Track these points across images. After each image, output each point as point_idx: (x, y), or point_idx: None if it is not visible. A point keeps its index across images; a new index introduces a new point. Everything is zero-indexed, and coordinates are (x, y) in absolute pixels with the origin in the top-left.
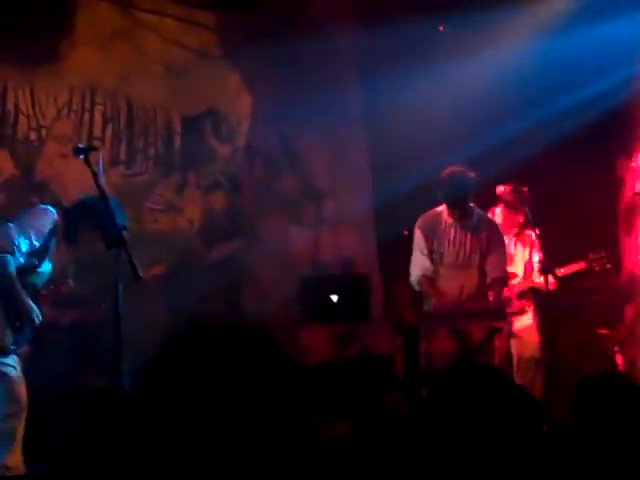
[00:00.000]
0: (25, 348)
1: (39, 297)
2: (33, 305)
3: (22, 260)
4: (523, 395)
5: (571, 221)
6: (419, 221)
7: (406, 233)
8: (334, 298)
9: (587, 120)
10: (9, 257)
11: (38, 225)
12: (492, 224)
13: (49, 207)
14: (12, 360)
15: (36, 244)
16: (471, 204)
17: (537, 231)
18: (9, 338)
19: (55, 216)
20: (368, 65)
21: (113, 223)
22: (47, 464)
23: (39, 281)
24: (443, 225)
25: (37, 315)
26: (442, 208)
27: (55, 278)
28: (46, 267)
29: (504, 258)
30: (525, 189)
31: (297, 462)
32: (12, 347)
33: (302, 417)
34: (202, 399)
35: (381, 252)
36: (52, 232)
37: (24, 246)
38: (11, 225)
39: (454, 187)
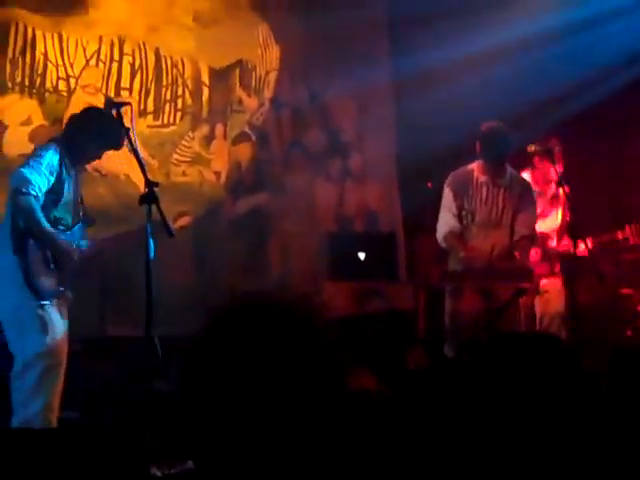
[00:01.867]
0: (69, 294)
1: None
2: (67, 243)
3: (43, 198)
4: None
5: (601, 183)
6: (449, 179)
7: (430, 186)
8: (361, 256)
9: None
10: (32, 199)
11: (48, 161)
12: (525, 183)
13: (49, 143)
14: (57, 305)
15: (52, 179)
16: (505, 162)
17: (567, 189)
18: (51, 280)
19: (59, 147)
20: (398, 17)
21: (146, 179)
22: (78, 411)
23: (64, 214)
24: (475, 183)
25: (74, 252)
26: (473, 165)
27: None
28: (66, 198)
29: (534, 218)
30: (556, 147)
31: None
32: (59, 289)
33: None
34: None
35: (405, 208)
36: (61, 164)
37: (43, 185)
38: (25, 169)
39: (495, 142)
